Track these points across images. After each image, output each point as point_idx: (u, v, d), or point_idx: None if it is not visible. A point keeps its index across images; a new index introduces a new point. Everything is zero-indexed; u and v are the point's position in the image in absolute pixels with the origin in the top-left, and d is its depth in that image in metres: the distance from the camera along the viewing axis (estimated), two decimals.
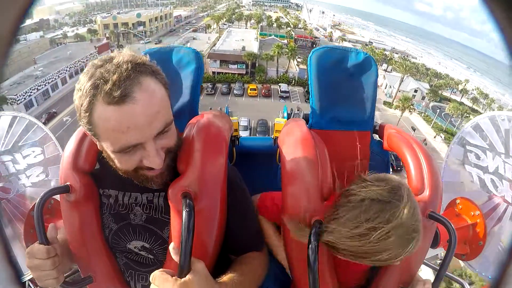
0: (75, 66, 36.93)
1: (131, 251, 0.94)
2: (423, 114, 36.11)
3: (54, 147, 1.43)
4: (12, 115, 1.37)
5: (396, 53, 52.32)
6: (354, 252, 0.77)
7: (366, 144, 1.24)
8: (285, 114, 1.48)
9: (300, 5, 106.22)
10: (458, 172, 1.49)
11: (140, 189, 0.90)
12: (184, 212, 0.75)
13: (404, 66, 39.03)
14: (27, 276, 0.87)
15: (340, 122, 1.22)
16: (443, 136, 31.02)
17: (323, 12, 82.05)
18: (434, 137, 31.30)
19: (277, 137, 1.20)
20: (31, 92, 30.52)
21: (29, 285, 1.09)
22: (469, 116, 31.56)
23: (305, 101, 33.79)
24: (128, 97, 0.67)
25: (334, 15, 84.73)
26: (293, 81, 38.77)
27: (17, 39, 0.47)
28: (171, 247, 0.73)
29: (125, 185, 0.92)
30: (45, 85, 32.39)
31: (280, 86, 36.99)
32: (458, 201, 1.38)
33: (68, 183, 0.90)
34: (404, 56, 49.21)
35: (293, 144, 1.02)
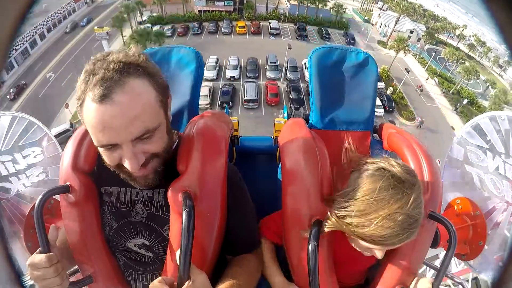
0: (52, 19, 35.09)
1: (131, 250, 0.94)
2: (417, 56, 34.99)
3: (54, 147, 1.43)
4: (12, 115, 1.37)
5: None
6: (356, 222, 0.78)
7: (366, 144, 1.23)
8: (285, 114, 1.48)
9: None
10: (458, 172, 1.49)
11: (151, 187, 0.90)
12: (184, 212, 0.75)
13: (401, 5, 37.42)
14: (27, 276, 0.87)
15: (340, 122, 1.22)
16: (436, 80, 30.30)
17: None
18: (427, 79, 30.65)
19: (277, 137, 1.20)
20: (9, 54, 29.76)
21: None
22: (464, 62, 30.89)
23: (296, 38, 33.10)
24: (106, 97, 0.68)
25: None
26: (284, 17, 37.50)
27: (16, 41, 0.47)
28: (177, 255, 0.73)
29: (126, 181, 0.92)
30: (23, 43, 30.86)
31: (270, 22, 35.65)
32: (458, 201, 1.38)
33: (68, 183, 0.90)
34: None
35: (293, 144, 1.02)
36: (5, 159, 1.33)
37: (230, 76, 25.61)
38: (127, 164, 0.75)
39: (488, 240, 1.29)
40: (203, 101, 21.98)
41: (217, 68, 26.11)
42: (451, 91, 28.63)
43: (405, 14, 37.87)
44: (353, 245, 0.89)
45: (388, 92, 26.66)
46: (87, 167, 0.93)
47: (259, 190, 1.18)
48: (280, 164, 1.05)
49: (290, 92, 23.77)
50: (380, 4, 44.31)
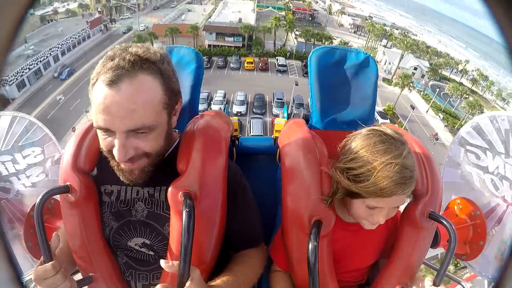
0: (66, 42, 36.20)
1: (132, 249, 0.94)
2: (422, 93, 35.56)
3: (54, 147, 1.43)
4: (12, 115, 1.37)
5: (396, 29, 50.85)
6: (356, 175, 0.82)
7: None
8: (285, 114, 1.48)
9: None
10: (458, 172, 1.49)
11: (142, 183, 0.90)
12: (184, 212, 0.75)
13: (405, 42, 38.19)
14: (27, 276, 0.87)
15: (340, 122, 1.22)
16: (441, 116, 30.75)
17: None
18: (427, 111, 31.16)
19: (277, 137, 1.20)
20: (22, 72, 29.82)
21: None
22: (468, 97, 31.30)
23: (303, 75, 33.37)
24: (114, 83, 0.71)
25: None
26: (291, 54, 38.20)
27: (16, 42, 0.47)
28: (163, 264, 0.74)
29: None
30: (37, 63, 31.73)
31: (277, 59, 36.34)
32: (458, 201, 1.38)
33: (68, 183, 0.90)
34: (404, 33, 47.93)
35: (293, 144, 1.02)
36: (5, 159, 1.33)
37: (237, 112, 25.81)
38: (115, 152, 0.76)
39: (488, 240, 1.29)
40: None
41: (225, 102, 26.39)
42: (455, 127, 28.91)
43: (409, 51, 38.57)
44: (355, 212, 0.90)
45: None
46: (87, 167, 0.93)
47: (259, 190, 1.18)
48: (280, 164, 1.05)
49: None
50: (384, 41, 45.09)
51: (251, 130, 23.01)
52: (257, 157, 1.63)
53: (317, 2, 66.76)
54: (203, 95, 26.30)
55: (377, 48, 44.79)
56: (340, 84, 1.23)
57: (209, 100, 26.00)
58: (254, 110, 26.42)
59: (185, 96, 1.20)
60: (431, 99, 33.66)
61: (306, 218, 0.90)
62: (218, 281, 0.84)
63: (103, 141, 0.79)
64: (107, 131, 0.76)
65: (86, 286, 0.95)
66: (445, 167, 1.52)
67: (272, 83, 30.73)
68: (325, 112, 1.21)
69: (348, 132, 1.21)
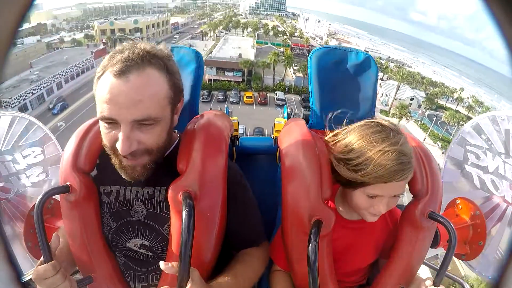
0: (70, 71, 36.89)
1: (131, 250, 0.94)
2: (419, 122, 36.35)
3: (54, 147, 1.43)
4: (12, 115, 1.37)
5: (391, 62, 52.77)
6: (355, 165, 0.84)
7: None
8: (285, 114, 1.48)
9: (296, 14, 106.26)
10: (458, 172, 1.49)
11: (141, 184, 0.91)
12: (184, 212, 0.75)
13: (400, 74, 39.23)
14: (27, 276, 0.87)
15: (340, 122, 1.22)
16: (439, 144, 31.27)
17: (319, 21, 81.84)
18: (424, 139, 31.36)
19: (277, 137, 1.20)
20: (26, 96, 30.44)
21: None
22: (465, 124, 31.65)
23: (302, 107, 34.15)
24: (123, 74, 0.73)
25: (330, 24, 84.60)
26: (290, 89, 38.99)
27: (15, 43, 0.47)
28: (162, 266, 0.73)
29: (126, 180, 0.92)
30: (40, 89, 32.29)
31: (276, 94, 37.20)
32: (458, 201, 1.38)
33: (68, 183, 0.90)
34: (399, 65, 49.61)
35: (293, 144, 1.02)
36: (5, 159, 1.33)
37: None
38: (119, 145, 0.76)
39: (488, 240, 1.29)
40: None
41: None
42: None
43: (405, 82, 39.50)
44: (356, 203, 0.91)
45: None
46: (87, 167, 0.93)
47: (259, 190, 1.18)
48: (280, 164, 1.05)
49: None
50: (380, 75, 45.55)
51: None
52: (257, 157, 1.63)
53: (314, 38, 68.97)
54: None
55: None
56: (340, 84, 1.23)
57: None
58: None
59: (185, 96, 1.20)
60: (429, 128, 34.40)
61: (306, 218, 0.90)
62: (219, 280, 0.84)
63: (107, 135, 0.79)
64: (112, 123, 0.76)
65: (86, 286, 0.95)
66: (445, 167, 1.52)
67: (271, 117, 31.10)
68: (325, 112, 1.21)
69: None
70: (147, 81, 0.75)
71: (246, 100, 35.31)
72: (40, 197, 0.85)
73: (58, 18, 62.12)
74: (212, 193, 0.86)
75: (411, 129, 34.32)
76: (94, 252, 0.92)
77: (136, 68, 0.74)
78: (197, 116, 1.03)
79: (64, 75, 36.00)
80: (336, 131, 0.95)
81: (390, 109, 37.32)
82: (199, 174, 0.84)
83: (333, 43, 63.60)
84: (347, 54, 1.25)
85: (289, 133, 1.09)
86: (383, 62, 48.18)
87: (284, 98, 36.23)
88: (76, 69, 37.85)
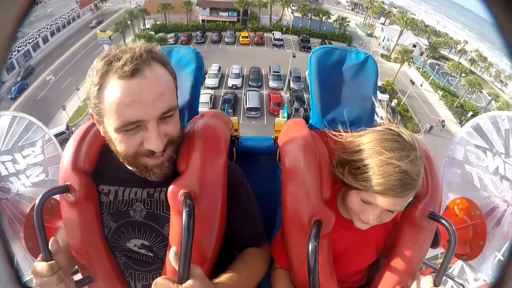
0: (56, 23, 35.10)
1: (131, 250, 0.94)
2: (421, 70, 35.33)
3: (54, 147, 1.43)
4: (12, 115, 1.37)
5: (394, 7, 49.94)
6: (357, 167, 0.83)
7: None
8: (285, 114, 1.48)
9: None
10: (458, 172, 1.49)
11: (141, 184, 0.91)
12: (184, 212, 0.75)
13: (404, 19, 37.44)
14: (27, 276, 0.87)
15: (340, 122, 1.22)
16: (440, 93, 30.66)
17: None
18: (421, 84, 31.01)
19: (277, 137, 1.20)
20: (11, 55, 28.35)
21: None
22: (467, 76, 31.13)
23: (300, 49, 33.05)
24: (138, 72, 0.72)
25: None
26: (287, 29, 37.59)
27: (15, 42, 0.47)
28: (171, 254, 0.73)
29: (126, 180, 0.92)
30: (25, 45, 30.60)
31: (273, 34, 35.87)
32: (458, 201, 1.38)
33: (68, 183, 0.90)
34: (403, 11, 47.00)
35: (293, 144, 1.02)
36: (5, 159, 1.33)
37: (232, 85, 25.22)
38: (151, 144, 0.76)
39: (488, 240, 1.29)
40: (204, 108, 21.93)
41: (219, 76, 25.80)
42: (455, 104, 28.81)
43: (408, 28, 38.13)
44: (349, 204, 0.91)
45: (393, 104, 26.66)
46: (87, 166, 0.93)
47: (259, 190, 1.18)
48: (280, 164, 1.05)
49: (293, 102, 23.48)
50: (382, 19, 44.82)
51: (247, 102, 22.30)
52: (257, 157, 1.63)
53: None
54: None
55: (375, 25, 44.55)
56: (340, 84, 1.23)
57: (220, 74, 25.69)
58: (250, 83, 25.69)
59: (185, 96, 1.20)
60: (430, 76, 33.38)
61: (306, 218, 0.90)
62: (222, 278, 0.83)
63: (128, 143, 0.77)
64: (137, 126, 0.75)
65: (86, 286, 0.95)
66: (445, 167, 1.52)
67: (268, 57, 30.23)
68: (325, 112, 1.21)
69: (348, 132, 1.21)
70: (159, 73, 0.76)
71: (242, 40, 33.66)
72: (40, 197, 0.85)
73: None
74: (212, 193, 0.86)
75: (412, 75, 33.31)
76: (94, 252, 0.92)
77: (146, 64, 0.74)
78: (197, 116, 1.03)
79: (50, 28, 34.10)
80: (353, 132, 0.93)
81: (391, 53, 36.20)
82: (199, 174, 0.84)
83: None
84: (347, 54, 1.25)
85: (289, 133, 1.08)
86: (385, 7, 46.13)
87: (281, 38, 34.82)
88: (61, 20, 35.89)
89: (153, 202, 0.91)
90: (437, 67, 34.53)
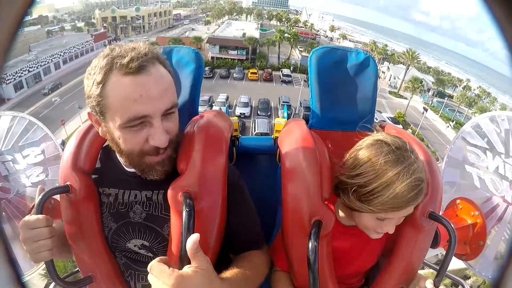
0: (69, 52, 35.88)
1: (131, 250, 0.94)
2: (429, 105, 36.08)
3: (54, 147, 1.43)
4: (12, 115, 1.37)
5: (396, 53, 52.61)
6: (368, 192, 0.80)
7: None
8: (285, 114, 1.48)
9: (299, 11, 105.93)
10: (458, 172, 1.49)
11: (139, 187, 0.91)
12: (184, 212, 0.75)
13: (410, 52, 38.41)
14: (27, 276, 0.87)
15: (340, 122, 1.22)
16: (452, 124, 31.21)
17: (322, 17, 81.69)
18: (447, 127, 31.49)
19: (277, 137, 1.20)
20: (21, 73, 29.19)
21: None
22: (476, 104, 32.03)
23: (308, 86, 33.02)
24: (144, 69, 0.74)
25: (333, 20, 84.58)
26: (295, 68, 38.02)
27: (15, 42, 0.47)
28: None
29: (125, 183, 0.92)
30: (37, 67, 31.17)
31: (282, 70, 36.20)
32: (458, 201, 1.38)
33: (68, 183, 0.90)
34: (408, 50, 49.33)
35: (293, 144, 1.02)
36: (5, 159, 1.33)
37: (240, 113, 24.72)
38: (156, 140, 0.77)
39: (488, 240, 1.29)
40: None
41: (227, 105, 25.34)
42: None
43: (414, 62, 39.29)
44: (363, 224, 0.90)
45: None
46: (87, 166, 0.93)
47: (259, 190, 1.18)
48: (280, 164, 1.05)
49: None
50: (386, 64, 45.62)
51: (256, 128, 21.86)
52: (257, 157, 1.63)
53: (318, 31, 68.04)
54: (204, 98, 25.43)
55: (380, 68, 45.45)
56: (340, 84, 1.23)
57: (210, 102, 25.22)
58: (258, 112, 25.29)
59: (185, 96, 1.20)
60: (439, 110, 34.30)
61: (306, 218, 0.90)
62: (227, 274, 0.80)
63: (134, 139, 0.78)
64: (142, 121, 0.76)
65: (86, 286, 0.95)
66: (445, 167, 1.52)
67: (277, 92, 30.53)
68: (325, 112, 1.21)
69: (348, 132, 1.21)
70: (161, 71, 0.78)
71: (250, 76, 34.44)
72: (40, 197, 0.85)
73: (59, 11, 61.58)
74: (212, 193, 0.86)
75: (421, 109, 33.64)
76: (94, 252, 0.92)
77: (150, 62, 0.75)
78: (197, 116, 1.03)
79: (63, 55, 34.96)
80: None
81: (399, 90, 37.10)
82: (199, 174, 0.84)
83: (337, 34, 62.64)
84: (347, 54, 1.24)
85: (289, 133, 1.08)
86: (388, 51, 47.64)
87: (290, 74, 35.21)
88: (75, 50, 36.98)
89: (152, 204, 0.91)
90: (446, 99, 35.58)
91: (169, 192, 0.83)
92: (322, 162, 0.95)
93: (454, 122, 31.37)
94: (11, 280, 0.53)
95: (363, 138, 0.91)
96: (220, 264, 0.91)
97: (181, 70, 1.23)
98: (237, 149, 1.43)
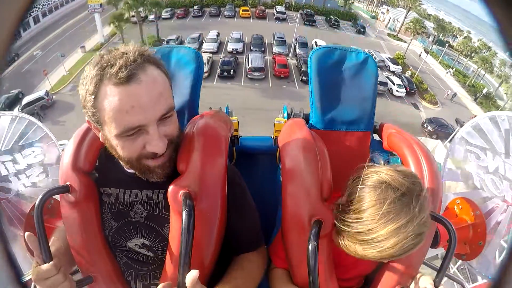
0: (48, 3, 33.12)
1: (131, 250, 0.94)
2: (430, 50, 34.62)
3: (54, 147, 1.43)
4: (12, 115, 1.37)
5: None
6: (365, 240, 0.77)
7: (366, 144, 1.23)
8: (285, 114, 1.48)
9: None
10: (458, 172, 1.49)
11: (140, 186, 0.91)
12: (184, 212, 0.75)
13: None
14: (27, 276, 0.87)
15: (340, 122, 1.22)
16: (452, 71, 30.21)
17: None
18: (447, 73, 30.44)
19: (277, 137, 1.20)
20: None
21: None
22: (479, 53, 30.87)
23: (304, 23, 31.95)
24: (133, 77, 0.71)
25: None
26: (290, 5, 36.59)
27: (15, 42, 0.47)
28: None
29: (125, 182, 0.92)
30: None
31: (275, 8, 34.74)
32: (458, 201, 1.38)
33: (68, 183, 0.90)
34: None
35: (293, 144, 1.02)
36: (5, 159, 1.33)
37: (233, 49, 22.93)
38: (153, 146, 0.76)
39: (488, 240, 1.29)
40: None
41: (218, 41, 23.71)
42: (467, 83, 28.44)
43: (415, 8, 37.33)
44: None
45: (407, 75, 26.07)
46: (87, 166, 0.93)
47: (259, 190, 1.18)
48: (280, 164, 1.05)
49: (301, 65, 21.47)
50: (385, 7, 44.14)
51: (250, 63, 20.34)
52: (257, 157, 1.62)
53: None
54: (193, 35, 24.06)
55: (378, 11, 43.94)
56: (340, 84, 1.23)
57: (200, 40, 23.60)
58: (252, 48, 23.49)
59: (185, 96, 1.20)
60: (439, 57, 33.02)
61: (306, 218, 0.90)
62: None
63: (131, 147, 0.77)
64: (137, 130, 0.75)
65: (86, 286, 0.95)
66: (445, 167, 1.52)
67: (270, 29, 29.10)
68: (325, 112, 1.21)
69: (348, 132, 1.21)
70: (154, 76, 0.75)
71: (242, 14, 32.52)
72: (40, 197, 0.85)
73: None
74: (212, 193, 0.86)
75: (422, 55, 32.33)
76: (94, 252, 0.92)
77: (140, 68, 0.73)
78: (197, 116, 1.03)
79: (42, 8, 31.72)
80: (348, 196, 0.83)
81: (398, 33, 35.82)
82: (199, 174, 0.84)
83: None
84: (347, 54, 1.24)
85: (289, 133, 1.08)
86: None
87: (284, 11, 33.72)
88: (54, 2, 33.37)
89: (152, 204, 0.91)
90: (446, 47, 33.75)
91: (169, 192, 0.83)
92: (322, 162, 0.95)
93: (453, 69, 30.32)
94: (11, 280, 0.53)
95: (365, 169, 0.83)
96: (220, 264, 0.91)
97: (181, 70, 1.23)
98: (237, 149, 1.43)
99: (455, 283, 1.19)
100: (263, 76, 20.58)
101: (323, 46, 1.27)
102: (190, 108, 1.21)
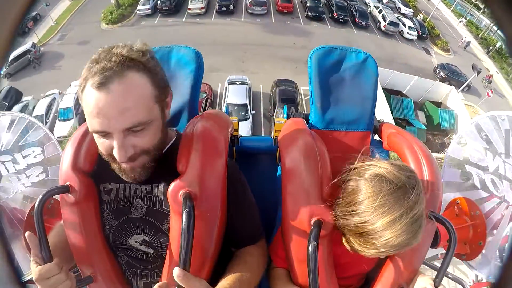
0: None
1: (132, 248, 0.94)
2: None
3: (54, 147, 1.43)
4: (12, 115, 1.37)
5: None
6: (363, 233, 0.77)
7: (366, 145, 1.23)
8: (285, 114, 1.48)
9: None
10: (458, 172, 1.49)
11: (140, 181, 0.91)
12: (184, 212, 0.75)
13: None
14: (27, 276, 0.87)
15: (340, 122, 1.22)
16: (464, 20, 28.19)
17: None
18: (459, 22, 28.24)
19: (277, 136, 1.20)
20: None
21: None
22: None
23: None
24: (103, 85, 0.72)
25: None
26: None
27: (15, 41, 0.47)
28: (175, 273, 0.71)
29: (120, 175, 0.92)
30: None
31: None
32: (458, 201, 1.38)
33: (68, 183, 0.90)
34: None
35: (293, 144, 1.02)
36: (5, 159, 1.33)
37: None
38: (115, 154, 0.77)
39: (488, 240, 1.29)
40: (196, 5, 18.47)
41: None
42: (479, 36, 27.02)
43: None
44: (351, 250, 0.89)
45: (419, 18, 24.48)
46: (87, 166, 0.93)
47: (259, 190, 1.18)
48: (280, 164, 1.05)
49: (306, 0, 19.63)
50: None
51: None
52: (257, 157, 1.62)
53: None
54: None
55: None
56: (340, 84, 1.23)
57: None
58: None
59: (185, 96, 1.20)
60: (451, 5, 30.83)
61: (306, 218, 0.90)
62: (223, 283, 0.83)
63: (101, 145, 0.80)
64: (104, 134, 0.77)
65: (86, 286, 0.95)
66: (445, 167, 1.52)
67: None
68: (325, 112, 1.21)
69: (348, 132, 1.21)
70: (129, 87, 0.74)
71: None
72: (40, 197, 0.85)
73: None
74: (212, 194, 0.86)
75: (435, 1, 29.29)
76: (94, 252, 0.92)
77: (116, 76, 0.72)
78: (196, 116, 1.03)
79: None
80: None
81: None
82: (199, 174, 0.84)
83: None
84: (347, 54, 1.24)
85: (289, 133, 1.08)
86: None
87: None
88: None
89: (152, 198, 0.91)
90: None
91: (169, 192, 0.83)
92: (322, 162, 0.95)
93: (466, 19, 28.48)
94: (11, 280, 0.53)
95: (362, 161, 0.84)
96: (221, 259, 0.91)
97: (181, 70, 1.23)
98: (237, 149, 1.43)
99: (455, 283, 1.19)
100: (265, 11, 18.74)
101: (323, 46, 1.27)
102: (190, 108, 1.21)
